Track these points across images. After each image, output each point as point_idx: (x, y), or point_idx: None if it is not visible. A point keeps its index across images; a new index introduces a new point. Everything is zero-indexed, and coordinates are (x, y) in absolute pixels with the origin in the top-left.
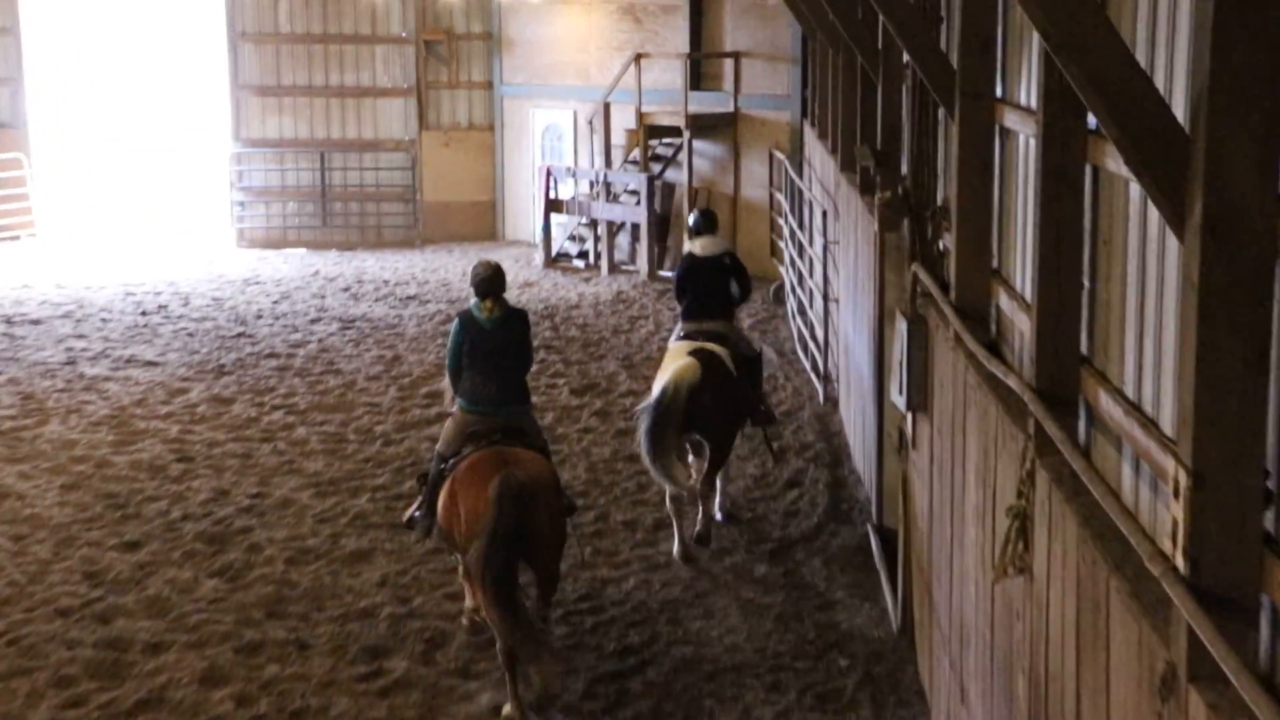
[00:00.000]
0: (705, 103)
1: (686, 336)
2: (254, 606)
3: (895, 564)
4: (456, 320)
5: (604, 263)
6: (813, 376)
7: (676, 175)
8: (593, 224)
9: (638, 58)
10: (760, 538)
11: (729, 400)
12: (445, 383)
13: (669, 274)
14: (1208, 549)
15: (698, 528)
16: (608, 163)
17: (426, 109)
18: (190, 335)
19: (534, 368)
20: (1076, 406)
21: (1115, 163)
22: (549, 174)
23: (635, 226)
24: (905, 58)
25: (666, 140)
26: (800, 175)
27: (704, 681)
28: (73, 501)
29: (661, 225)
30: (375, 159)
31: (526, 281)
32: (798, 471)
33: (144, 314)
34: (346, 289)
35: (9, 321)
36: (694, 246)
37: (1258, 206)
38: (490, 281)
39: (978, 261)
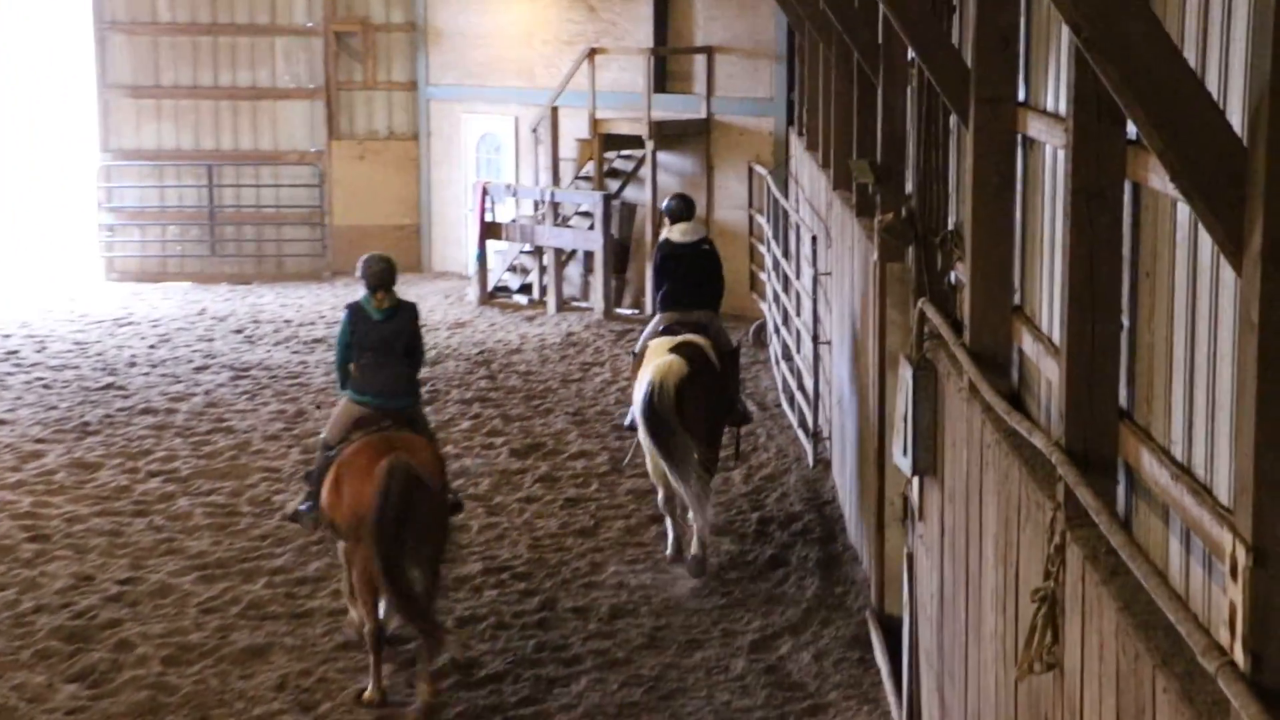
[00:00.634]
0: (672, 108)
1: (667, 329)
2: (123, 717)
3: (899, 658)
4: (346, 312)
5: (551, 298)
6: (800, 434)
7: (638, 194)
8: (537, 252)
9: (592, 53)
10: (738, 627)
11: (716, 394)
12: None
13: (629, 311)
14: (1272, 640)
15: (693, 550)
16: (555, 179)
17: (337, 114)
18: (47, 387)
19: (466, 424)
20: (1115, 469)
21: (1159, 179)
22: (485, 192)
23: (588, 255)
24: (911, 54)
25: (626, 152)
26: (785, 194)
27: None
28: None
29: (620, 254)
30: (275, 174)
31: (458, 321)
32: (783, 548)
33: None
34: (239, 330)
35: None
36: (671, 233)
37: None
38: (383, 273)
39: (996, 297)
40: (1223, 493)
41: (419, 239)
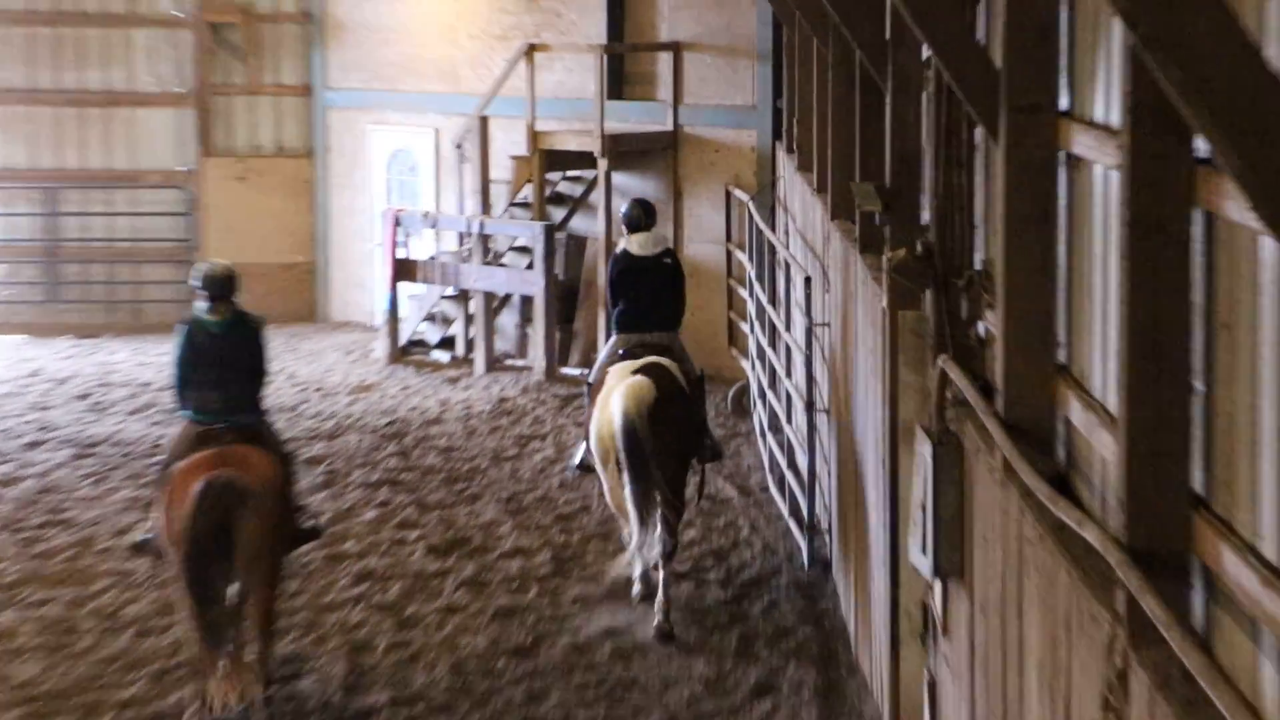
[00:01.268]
0: (631, 118)
1: (626, 354)
2: None
3: None
4: (180, 328)
5: (479, 355)
6: (792, 525)
7: (588, 225)
8: (462, 297)
9: (530, 50)
10: None
11: (684, 424)
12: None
13: (576, 372)
14: None
15: (657, 618)
16: (485, 206)
17: (212, 125)
18: None
19: (371, 513)
20: (1188, 572)
21: (1236, 208)
22: (397, 223)
23: (526, 301)
24: (926, 53)
25: (573, 173)
26: (772, 225)
27: None
28: None
29: (566, 299)
30: (132, 200)
31: (362, 384)
32: (772, 671)
33: None
34: (85, 396)
35: None
36: (629, 244)
37: None
38: (222, 283)
39: (1036, 354)
40: None
41: (313, 281)
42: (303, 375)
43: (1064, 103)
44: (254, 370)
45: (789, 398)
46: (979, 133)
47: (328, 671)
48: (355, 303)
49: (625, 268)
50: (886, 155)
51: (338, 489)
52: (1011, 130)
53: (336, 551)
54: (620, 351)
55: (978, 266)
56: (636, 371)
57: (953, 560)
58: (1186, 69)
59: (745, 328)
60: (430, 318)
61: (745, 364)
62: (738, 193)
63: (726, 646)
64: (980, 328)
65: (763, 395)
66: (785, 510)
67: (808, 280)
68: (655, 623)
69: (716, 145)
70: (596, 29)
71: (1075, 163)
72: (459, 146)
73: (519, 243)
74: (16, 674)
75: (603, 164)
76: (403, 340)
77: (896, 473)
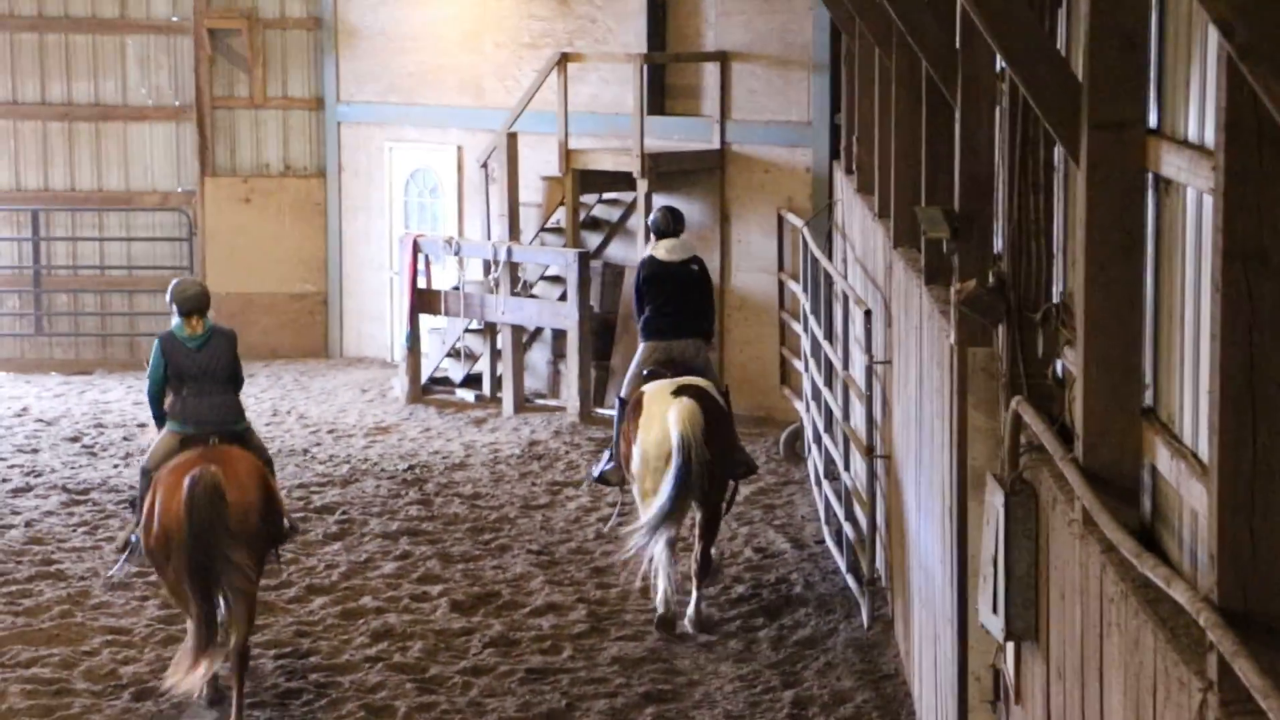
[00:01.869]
0: (673, 135)
1: (653, 371)
2: None
3: None
4: (156, 342)
5: (508, 395)
6: (850, 581)
7: (626, 252)
8: (489, 331)
9: (563, 60)
10: None
11: (726, 447)
12: (150, 431)
13: (613, 413)
14: None
15: (690, 611)
16: (513, 232)
17: (212, 142)
18: None
19: (390, 566)
20: None
21: None
22: (417, 249)
23: (558, 335)
24: (1000, 64)
25: (610, 196)
26: (829, 253)
27: None
28: None
29: (602, 333)
30: (125, 224)
31: (379, 425)
32: None
33: None
34: (76, 438)
35: None
36: (656, 250)
37: None
38: (197, 298)
39: (1120, 395)
40: None
41: (325, 313)
42: (314, 416)
43: (1152, 119)
44: (232, 380)
45: (847, 442)
46: (1058, 152)
47: None
48: (371, 337)
49: (652, 273)
50: (955, 176)
51: (353, 539)
52: (1094, 149)
53: (352, 607)
54: (645, 372)
55: (1056, 299)
56: (678, 392)
57: (1027, 620)
58: None
59: (799, 365)
60: (454, 354)
61: (799, 405)
62: (791, 217)
63: (778, 713)
64: (1058, 366)
65: (818, 440)
66: (843, 565)
67: (868, 314)
68: (690, 614)
69: (767, 165)
70: (635, 37)
71: (1164, 185)
72: (484, 166)
73: (551, 272)
74: None
75: (642, 185)
76: (423, 378)
77: (965, 525)
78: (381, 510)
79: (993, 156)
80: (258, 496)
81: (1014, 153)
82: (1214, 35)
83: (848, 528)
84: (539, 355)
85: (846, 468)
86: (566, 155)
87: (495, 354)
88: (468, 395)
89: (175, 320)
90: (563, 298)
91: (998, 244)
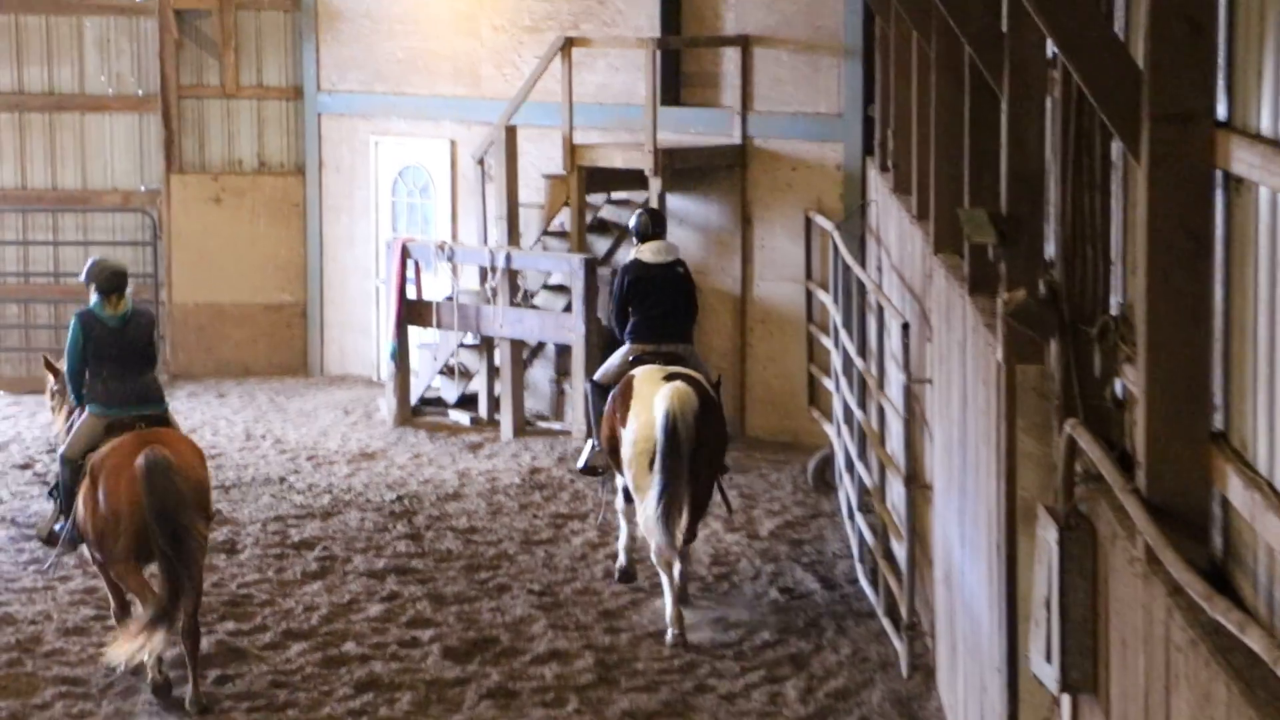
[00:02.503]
0: (690, 128)
1: (638, 360)
2: None
3: None
4: (75, 320)
5: (506, 417)
6: (887, 625)
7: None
8: (485, 346)
9: (568, 45)
10: None
11: (716, 436)
12: (51, 384)
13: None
14: None
15: (670, 631)
16: (512, 235)
17: (180, 136)
18: None
19: (375, 609)
20: None
21: None
22: (406, 255)
23: (563, 351)
24: (1051, 49)
25: (619, 195)
26: (862, 260)
27: None
28: None
29: (611, 347)
30: (81, 226)
31: (364, 451)
32: None
33: None
34: (26, 465)
35: None
36: (640, 252)
37: None
38: (120, 276)
39: (1186, 418)
40: None
41: (304, 325)
42: (292, 440)
43: (1221, 111)
44: (152, 360)
45: (882, 470)
46: (1116, 147)
47: None
48: (355, 352)
49: (638, 277)
50: (1002, 174)
51: (335, 579)
52: (1157, 144)
53: (334, 654)
54: (632, 358)
55: (1114, 311)
56: (670, 377)
57: (1083, 670)
58: None
59: (829, 385)
60: (447, 371)
61: (828, 428)
62: (819, 220)
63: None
64: (1117, 386)
65: (850, 467)
66: (879, 607)
67: (905, 327)
68: (670, 634)
69: (794, 162)
70: (648, 19)
71: (1235, 184)
72: (480, 162)
73: (554, 280)
74: None
75: (655, 184)
76: (413, 399)
77: (1014, 563)
78: (366, 546)
79: (1043, 152)
80: (205, 475)
81: (1067, 148)
82: None
83: (884, 565)
84: (541, 373)
85: (882, 498)
86: (571, 151)
87: (492, 371)
88: (462, 417)
89: (94, 299)
90: (567, 309)
91: (1049, 249)
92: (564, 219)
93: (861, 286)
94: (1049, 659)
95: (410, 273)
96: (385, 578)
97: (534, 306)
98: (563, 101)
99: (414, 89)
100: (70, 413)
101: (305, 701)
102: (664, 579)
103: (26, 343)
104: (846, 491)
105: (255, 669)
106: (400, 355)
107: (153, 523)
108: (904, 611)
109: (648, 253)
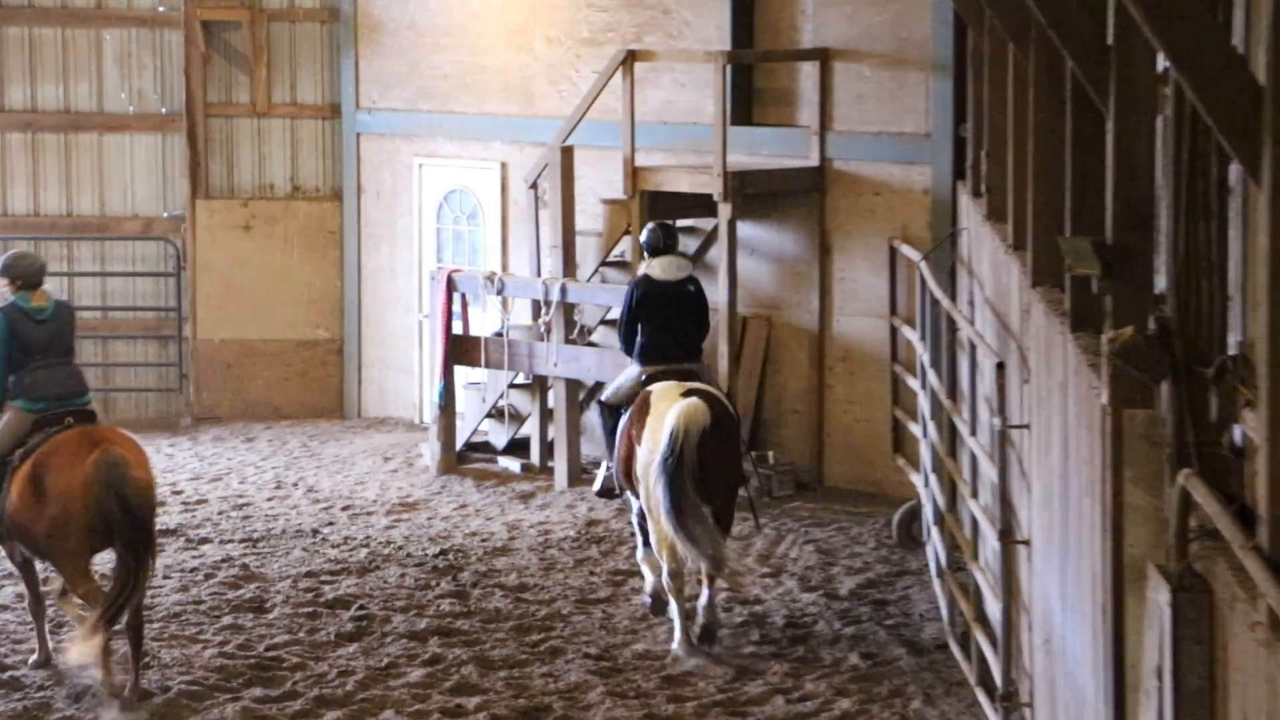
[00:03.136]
0: (763, 149)
1: (650, 378)
2: None
3: None
4: (1, 316)
5: (560, 464)
6: (981, 696)
7: (706, 291)
8: (538, 386)
9: (630, 59)
10: None
11: (734, 451)
12: None
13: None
14: None
15: (701, 619)
16: (568, 266)
17: (207, 158)
18: None
19: (417, 673)
20: None
21: None
22: (452, 288)
23: None
24: (1162, 64)
25: (685, 223)
26: (952, 293)
27: None
28: None
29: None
30: (99, 255)
31: (405, 500)
32: None
33: None
34: None
35: None
36: (650, 269)
37: None
38: (42, 270)
39: None
40: None
41: (341, 364)
42: (326, 489)
43: None
44: (73, 352)
45: (975, 524)
46: (1234, 170)
47: None
48: (396, 393)
49: (647, 294)
50: (1108, 200)
51: (373, 640)
52: (1279, 167)
53: None
54: (645, 377)
55: (1232, 350)
56: (687, 393)
57: None
58: None
59: (915, 430)
60: (496, 414)
61: (915, 478)
62: (905, 249)
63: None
64: (1236, 433)
65: (939, 521)
66: (971, 675)
67: (1000, 367)
68: (700, 623)
69: (877, 186)
70: (717, 31)
71: None
72: (533, 186)
73: (612, 315)
74: None
75: (724, 210)
76: (459, 443)
77: (1122, 627)
78: (407, 605)
79: (1153, 176)
80: (152, 473)
81: (1179, 171)
82: None
83: (976, 629)
84: (597, 417)
85: (975, 555)
86: (633, 174)
87: (545, 414)
88: (512, 464)
89: (18, 293)
90: None
91: (1160, 283)
92: (624, 248)
93: (951, 322)
94: None
95: (456, 307)
96: (427, 639)
97: (591, 344)
98: (624, 120)
99: (461, 107)
100: None
101: None
102: (673, 604)
103: None
104: (935, 547)
105: None
106: (446, 397)
107: (118, 521)
108: (999, 680)
109: (657, 269)
